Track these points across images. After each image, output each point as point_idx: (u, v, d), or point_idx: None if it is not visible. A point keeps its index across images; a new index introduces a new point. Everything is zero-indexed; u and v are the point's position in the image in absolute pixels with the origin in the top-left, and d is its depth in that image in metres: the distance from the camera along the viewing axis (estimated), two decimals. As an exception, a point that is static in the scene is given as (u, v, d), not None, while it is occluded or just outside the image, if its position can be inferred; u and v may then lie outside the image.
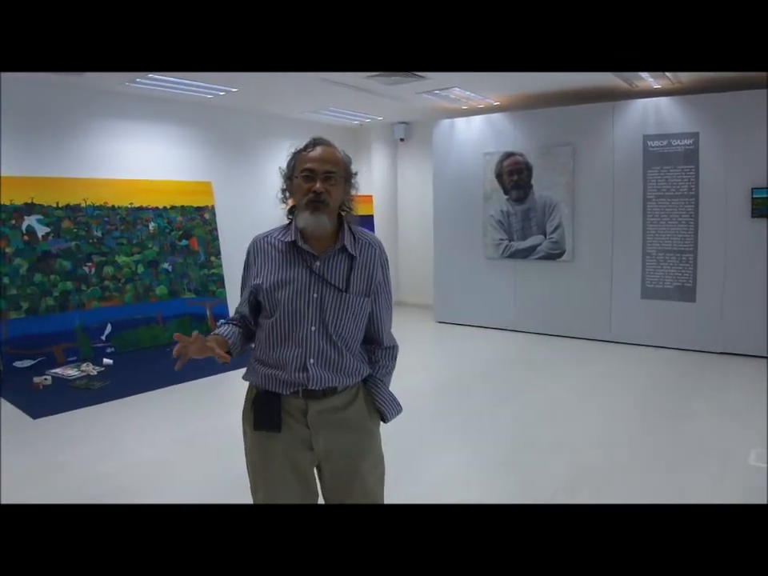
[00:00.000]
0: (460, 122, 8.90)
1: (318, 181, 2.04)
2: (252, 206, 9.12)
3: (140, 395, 5.91)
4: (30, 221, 6.93)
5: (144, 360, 7.22)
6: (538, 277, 8.39)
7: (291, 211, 2.17)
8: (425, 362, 7.24)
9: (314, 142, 2.11)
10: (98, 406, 5.59)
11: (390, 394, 2.28)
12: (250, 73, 6.46)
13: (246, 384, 2.25)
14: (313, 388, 2.08)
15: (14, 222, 6.79)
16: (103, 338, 7.38)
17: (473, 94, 8.12)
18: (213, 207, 8.77)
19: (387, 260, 2.27)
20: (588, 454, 4.42)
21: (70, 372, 6.52)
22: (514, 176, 8.39)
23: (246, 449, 2.23)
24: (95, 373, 6.57)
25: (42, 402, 5.63)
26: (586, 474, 4.09)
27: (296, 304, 2.09)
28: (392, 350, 2.32)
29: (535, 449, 4.55)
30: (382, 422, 2.28)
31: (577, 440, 4.70)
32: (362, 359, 2.23)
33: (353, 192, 2.20)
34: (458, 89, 7.78)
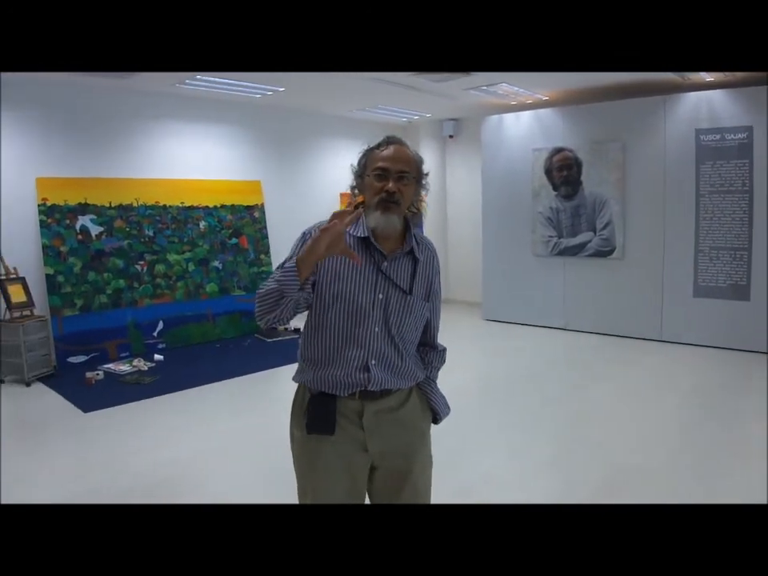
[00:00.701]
0: (509, 118, 8.83)
1: (391, 180, 2.00)
2: (301, 205, 9.23)
3: (189, 390, 6.03)
4: (84, 220, 7.15)
5: (194, 356, 7.37)
6: (587, 274, 8.27)
7: (357, 207, 2.09)
8: (471, 361, 7.21)
9: (388, 141, 2.07)
10: (147, 400, 5.74)
11: (441, 395, 2.27)
12: (296, 72, 6.53)
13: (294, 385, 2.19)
14: (372, 389, 2.04)
15: (68, 221, 7.02)
16: (155, 334, 7.57)
17: (521, 90, 8.04)
18: (262, 206, 8.91)
19: (440, 266, 2.27)
20: (631, 456, 4.33)
21: (122, 367, 6.71)
22: (563, 172, 8.29)
23: (294, 452, 2.17)
24: (146, 368, 6.74)
25: (94, 396, 5.80)
26: (628, 475, 4.02)
27: (360, 302, 2.03)
28: (443, 352, 2.32)
29: (578, 449, 4.49)
30: (432, 424, 2.26)
31: (621, 441, 4.62)
32: (418, 363, 2.20)
33: (423, 193, 2.17)
34: (505, 84, 7.71)
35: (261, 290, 1.96)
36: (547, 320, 8.65)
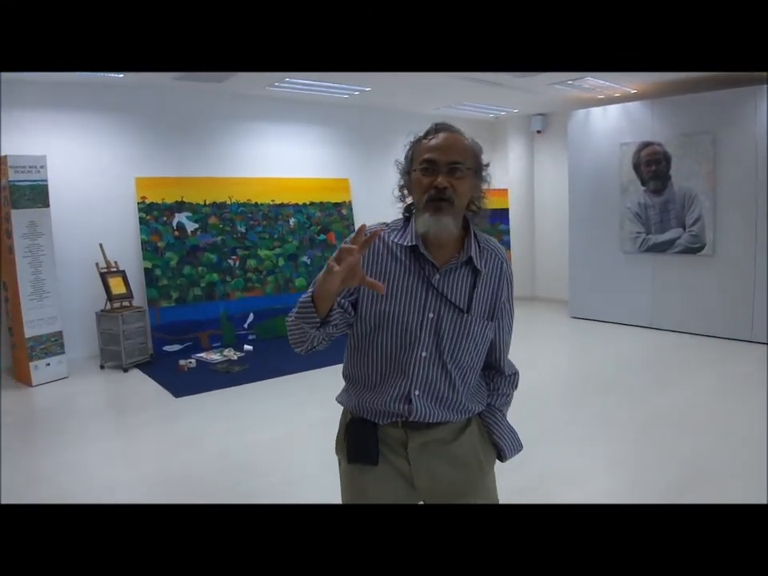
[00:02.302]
0: (596, 112, 8.71)
1: (441, 174, 1.68)
2: (387, 201, 9.33)
3: (276, 379, 6.30)
4: (180, 217, 7.59)
5: (282, 347, 7.59)
6: (676, 272, 8.05)
7: (409, 210, 1.85)
8: (554, 358, 7.15)
9: (436, 128, 1.76)
10: (235, 387, 6.04)
11: (510, 428, 1.94)
12: (383, 73, 6.70)
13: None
14: (415, 420, 1.78)
15: (165, 218, 7.46)
16: (245, 325, 7.92)
17: (607, 83, 7.93)
18: (350, 203, 9.15)
19: (512, 274, 1.89)
20: (707, 458, 4.22)
21: (213, 356, 7.07)
22: (652, 167, 8.10)
23: (340, 481, 1.96)
24: (236, 358, 7.07)
25: (185, 383, 6.16)
26: (698, 480, 3.90)
27: (407, 324, 1.74)
28: (513, 378, 1.99)
29: (652, 450, 4.40)
30: (498, 461, 1.94)
31: (698, 443, 4.49)
32: (478, 392, 1.90)
33: (484, 186, 1.81)
34: (591, 78, 7.63)
35: (288, 320, 1.72)
36: (634, 318, 8.48)
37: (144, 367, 6.71)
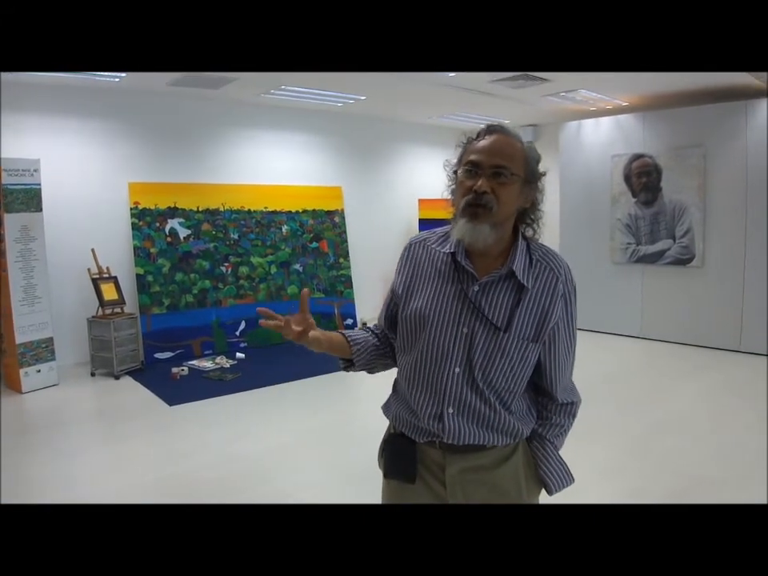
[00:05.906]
0: (587, 124, 8.78)
1: (482, 177, 1.56)
2: (380, 210, 9.42)
3: (268, 388, 6.25)
4: (173, 224, 7.56)
5: (274, 355, 7.59)
6: (666, 283, 8.12)
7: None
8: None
9: (488, 129, 1.63)
10: (228, 396, 5.99)
11: (560, 461, 1.78)
12: (378, 81, 6.74)
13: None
14: (450, 442, 1.66)
15: (158, 224, 7.42)
16: (237, 333, 7.87)
17: (600, 95, 7.99)
18: (342, 211, 9.13)
19: (575, 290, 1.72)
20: (701, 466, 4.26)
21: (206, 364, 7.02)
22: (643, 178, 8.18)
23: (382, 490, 1.88)
24: (228, 365, 7.03)
25: (179, 391, 6.10)
26: (696, 486, 3.94)
27: (440, 336, 1.65)
28: (570, 407, 1.81)
29: (648, 457, 4.44)
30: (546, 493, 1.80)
31: (692, 451, 4.55)
32: (525, 416, 1.75)
33: (539, 198, 1.68)
34: (584, 90, 7.69)
35: None
36: (624, 328, 8.54)
37: (135, 375, 6.65)
